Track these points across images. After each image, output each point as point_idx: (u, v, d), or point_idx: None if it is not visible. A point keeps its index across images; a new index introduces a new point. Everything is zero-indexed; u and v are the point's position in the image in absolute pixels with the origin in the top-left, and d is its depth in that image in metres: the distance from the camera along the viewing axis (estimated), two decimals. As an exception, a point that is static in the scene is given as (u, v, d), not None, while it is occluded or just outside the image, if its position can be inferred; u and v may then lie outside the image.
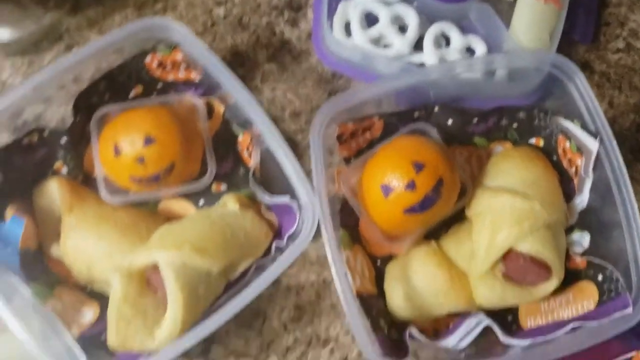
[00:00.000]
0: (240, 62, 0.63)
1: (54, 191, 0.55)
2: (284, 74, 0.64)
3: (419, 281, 0.54)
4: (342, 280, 0.48)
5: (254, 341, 0.57)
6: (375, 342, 0.48)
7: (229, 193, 0.57)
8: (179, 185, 0.55)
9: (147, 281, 0.51)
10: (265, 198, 0.54)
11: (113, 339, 0.48)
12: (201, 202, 0.58)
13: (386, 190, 0.51)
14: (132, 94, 0.57)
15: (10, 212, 0.53)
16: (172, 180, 0.53)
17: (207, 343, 0.57)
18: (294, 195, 0.53)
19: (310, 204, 0.50)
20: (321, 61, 0.63)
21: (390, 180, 0.51)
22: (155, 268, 0.50)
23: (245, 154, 0.57)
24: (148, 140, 0.51)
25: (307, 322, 0.58)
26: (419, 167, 0.50)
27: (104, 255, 0.52)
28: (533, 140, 0.58)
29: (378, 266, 0.57)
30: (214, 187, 0.59)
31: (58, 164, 0.56)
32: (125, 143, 0.51)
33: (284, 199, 0.53)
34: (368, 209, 0.53)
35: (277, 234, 0.56)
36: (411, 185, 0.50)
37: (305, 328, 0.57)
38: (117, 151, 0.51)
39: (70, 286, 0.55)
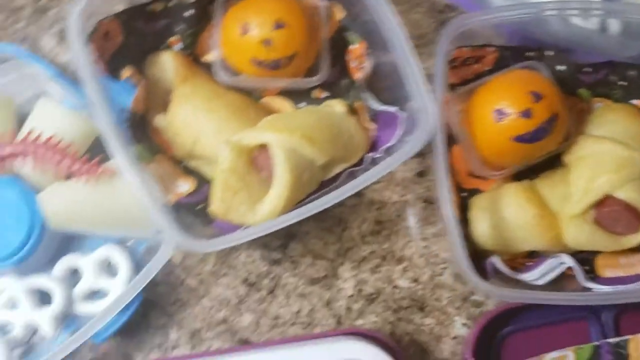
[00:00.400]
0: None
1: (168, 63, 0.56)
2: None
3: (508, 213, 0.54)
4: (446, 199, 0.49)
5: (332, 245, 0.58)
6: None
7: (330, 100, 0.58)
8: (291, 78, 0.55)
9: (253, 160, 0.52)
10: (374, 104, 0.55)
11: (217, 205, 0.49)
12: (301, 104, 0.59)
13: (499, 114, 0.52)
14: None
15: (126, 73, 0.53)
16: (289, 71, 0.54)
17: (287, 239, 0.58)
18: (402, 108, 0.54)
19: (425, 114, 0.50)
20: (437, -10, 0.64)
21: (505, 106, 0.51)
22: (262, 149, 0.51)
23: (352, 64, 0.58)
24: (278, 25, 0.51)
25: (385, 238, 0.59)
26: (537, 96, 0.51)
27: (213, 130, 0.53)
28: (635, 102, 0.59)
29: (462, 197, 0.58)
30: (315, 93, 0.59)
31: (173, 39, 0.57)
32: (255, 24, 0.52)
33: (391, 108, 0.54)
34: (474, 135, 0.54)
35: (373, 146, 0.57)
36: (527, 114, 0.51)
37: (383, 243, 0.58)
38: (244, 30, 0.52)
39: (167, 157, 0.56)
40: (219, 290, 0.56)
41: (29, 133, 0.51)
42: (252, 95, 0.58)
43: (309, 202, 0.51)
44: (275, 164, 0.50)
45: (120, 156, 0.47)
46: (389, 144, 0.55)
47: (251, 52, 0.52)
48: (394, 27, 0.52)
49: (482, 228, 0.55)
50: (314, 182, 0.53)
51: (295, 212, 0.48)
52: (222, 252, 0.57)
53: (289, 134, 0.50)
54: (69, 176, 0.51)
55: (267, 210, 0.50)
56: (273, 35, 0.52)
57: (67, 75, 0.58)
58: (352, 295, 0.57)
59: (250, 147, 0.51)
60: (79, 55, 0.48)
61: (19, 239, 0.48)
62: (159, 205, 0.47)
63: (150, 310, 0.55)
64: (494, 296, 0.50)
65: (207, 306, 0.56)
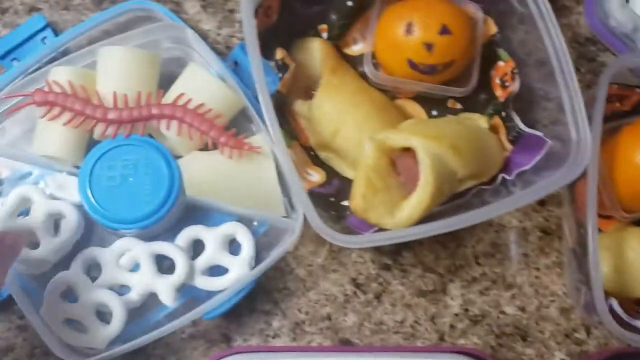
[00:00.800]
0: None
1: (317, 51, 0.55)
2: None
3: (631, 256, 0.53)
4: (593, 236, 0.48)
5: (444, 260, 0.57)
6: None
7: (468, 113, 0.57)
8: (440, 84, 0.54)
9: (392, 163, 0.51)
10: (519, 124, 0.54)
11: (358, 202, 0.48)
12: (434, 112, 0.58)
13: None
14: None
15: (278, 55, 0.52)
16: (440, 78, 0.53)
17: (400, 246, 0.57)
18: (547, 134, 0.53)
19: (583, 147, 0.49)
20: (587, 22, 0.63)
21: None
22: (404, 152, 0.50)
23: (496, 81, 0.57)
24: (444, 30, 0.50)
25: (498, 262, 0.57)
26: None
27: (355, 124, 0.52)
28: None
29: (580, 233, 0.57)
30: (450, 102, 0.58)
31: (323, 27, 0.56)
32: (420, 25, 0.51)
33: (537, 132, 0.53)
34: (613, 173, 0.53)
35: (505, 167, 0.56)
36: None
37: (495, 267, 0.57)
38: (408, 30, 0.51)
39: (300, 144, 0.55)
40: (327, 285, 0.55)
41: (179, 97, 0.50)
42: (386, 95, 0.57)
43: (438, 215, 0.50)
44: (420, 170, 0.49)
45: (274, 134, 0.46)
46: (523, 168, 0.54)
47: (409, 53, 0.51)
48: (559, 53, 0.51)
49: (605, 270, 0.53)
50: (448, 194, 0.52)
51: (430, 225, 0.47)
52: (334, 247, 0.56)
53: (438, 141, 0.49)
54: (213, 146, 0.50)
55: (405, 215, 0.48)
56: (437, 39, 0.51)
57: (209, 43, 0.58)
58: (457, 314, 0.56)
59: (393, 148, 0.50)
60: (248, 29, 0.47)
61: (155, 203, 0.46)
62: (302, 189, 0.46)
63: (257, 293, 0.54)
64: (623, 338, 0.49)
65: (313, 299, 0.55)
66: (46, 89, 0.49)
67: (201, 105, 0.49)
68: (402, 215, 0.49)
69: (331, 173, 0.54)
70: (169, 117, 0.49)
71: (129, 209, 0.46)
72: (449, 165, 0.50)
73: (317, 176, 0.54)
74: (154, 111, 0.49)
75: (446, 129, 0.51)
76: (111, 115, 0.49)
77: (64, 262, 0.49)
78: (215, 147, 0.50)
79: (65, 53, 0.54)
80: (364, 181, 0.48)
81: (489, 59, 0.57)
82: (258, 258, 0.51)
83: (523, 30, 0.62)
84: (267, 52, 0.54)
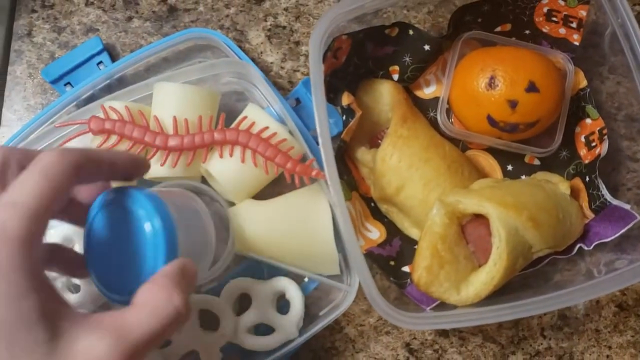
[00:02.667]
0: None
1: (386, 95, 0.50)
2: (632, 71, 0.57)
3: None
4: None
5: (506, 330, 0.52)
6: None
7: (547, 172, 0.52)
8: (520, 141, 0.49)
9: (462, 229, 0.46)
10: (606, 194, 0.49)
11: (422, 275, 0.44)
12: (509, 167, 0.53)
13: None
14: (498, 28, 0.52)
15: (345, 100, 0.48)
16: (523, 135, 0.48)
17: (460, 310, 0.52)
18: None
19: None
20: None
21: None
22: (475, 218, 0.46)
23: (581, 139, 0.52)
24: (532, 87, 0.45)
25: (566, 336, 0.53)
26: None
27: (423, 181, 0.48)
28: None
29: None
30: (527, 157, 0.53)
31: (394, 68, 0.52)
32: (506, 80, 0.46)
33: (625, 205, 0.48)
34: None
35: (583, 236, 0.51)
36: None
37: (562, 341, 0.52)
38: (492, 84, 0.46)
39: (359, 195, 0.51)
40: (378, 348, 0.51)
41: (241, 120, 0.46)
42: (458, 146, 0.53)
43: (506, 287, 0.46)
44: (494, 242, 0.44)
45: (334, 190, 0.42)
46: (604, 240, 0.49)
47: (490, 109, 0.47)
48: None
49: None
50: (521, 268, 0.47)
51: (500, 310, 0.42)
52: (389, 307, 0.52)
53: (516, 212, 0.44)
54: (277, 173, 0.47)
55: (472, 292, 0.44)
56: (522, 97, 0.46)
57: (271, 77, 0.54)
58: (517, 391, 0.51)
59: (464, 213, 0.46)
60: (316, 72, 0.43)
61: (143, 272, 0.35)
62: (360, 255, 0.42)
63: (301, 350, 0.51)
64: None
65: (362, 362, 0.51)
66: (102, 116, 0.46)
67: (265, 129, 0.46)
68: (469, 292, 0.44)
69: (392, 230, 0.50)
70: (232, 143, 0.45)
71: (120, 278, 0.35)
72: (527, 239, 0.45)
73: (376, 233, 0.49)
74: (217, 137, 0.45)
75: (525, 196, 0.46)
76: (172, 143, 0.46)
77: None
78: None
79: (121, 80, 0.51)
80: (429, 252, 0.44)
81: (574, 114, 0.52)
82: (306, 313, 0.48)
83: (614, 81, 0.56)
84: (331, 94, 0.50)
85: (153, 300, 0.30)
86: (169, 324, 0.30)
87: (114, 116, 0.46)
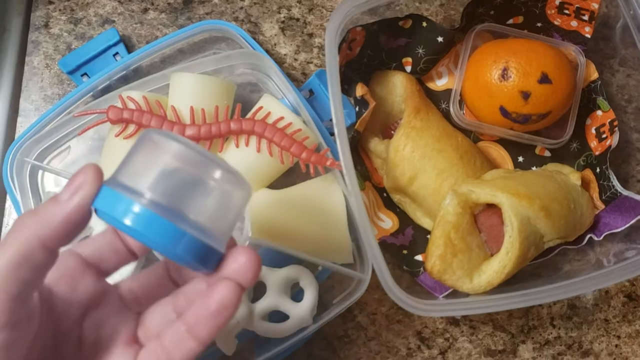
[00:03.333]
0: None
1: (399, 87, 0.51)
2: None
3: None
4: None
5: (517, 319, 0.53)
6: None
7: (557, 164, 0.53)
8: (532, 132, 0.50)
9: (475, 218, 0.47)
10: (617, 185, 0.49)
11: (435, 263, 0.45)
12: (520, 158, 0.54)
13: None
14: (510, 20, 0.52)
15: (360, 90, 0.49)
16: (534, 126, 0.49)
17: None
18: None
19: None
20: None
21: None
22: (487, 208, 0.46)
23: (591, 131, 0.52)
24: (544, 79, 0.46)
25: (575, 326, 0.53)
26: None
27: (435, 171, 0.48)
28: None
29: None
30: (538, 149, 0.54)
31: (407, 59, 0.52)
32: (518, 71, 0.46)
33: (637, 197, 0.48)
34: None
35: (593, 226, 0.51)
36: None
37: (571, 330, 0.53)
38: (505, 75, 0.47)
39: (372, 185, 0.51)
40: (390, 336, 0.52)
41: (257, 110, 0.47)
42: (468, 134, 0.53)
43: (517, 276, 0.46)
44: (506, 231, 0.45)
45: (350, 180, 0.43)
46: (614, 231, 0.49)
47: (503, 100, 0.47)
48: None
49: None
50: (532, 258, 0.48)
51: (511, 298, 0.43)
52: (400, 295, 0.53)
53: (528, 201, 0.45)
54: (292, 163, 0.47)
55: (485, 280, 0.45)
56: (535, 88, 0.46)
57: (285, 69, 0.55)
58: (526, 379, 0.52)
59: (477, 203, 0.46)
60: (332, 62, 0.43)
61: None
62: (374, 243, 0.43)
63: (314, 338, 0.51)
64: None
65: (374, 350, 0.52)
66: (120, 105, 0.47)
67: (281, 119, 0.46)
68: (481, 280, 0.45)
69: (404, 219, 0.51)
70: (248, 133, 0.46)
71: None
72: (539, 228, 0.46)
73: (389, 222, 0.50)
74: (233, 127, 0.46)
75: (537, 186, 0.47)
76: (189, 132, 0.46)
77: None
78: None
79: (136, 71, 0.52)
80: (443, 240, 0.45)
81: (585, 106, 0.52)
82: (320, 301, 0.48)
83: (624, 73, 0.57)
84: (345, 85, 0.50)
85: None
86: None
87: (132, 106, 0.47)
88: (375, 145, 0.51)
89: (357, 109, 0.50)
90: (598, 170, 0.50)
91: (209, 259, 0.29)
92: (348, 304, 0.47)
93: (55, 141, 0.50)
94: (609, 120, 0.50)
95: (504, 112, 0.47)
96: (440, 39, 0.50)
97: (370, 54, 0.51)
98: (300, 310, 0.47)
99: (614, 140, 0.49)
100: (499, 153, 0.54)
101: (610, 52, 0.56)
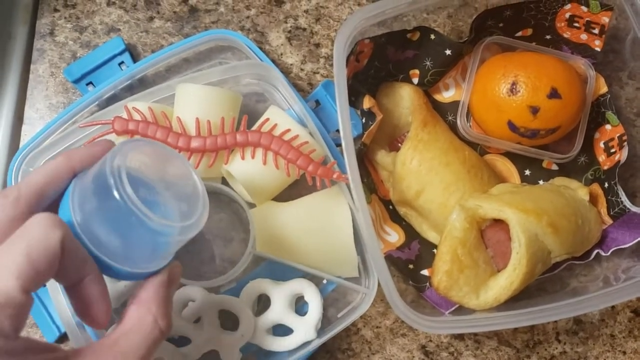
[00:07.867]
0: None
1: (406, 99, 0.51)
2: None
3: None
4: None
5: (522, 334, 0.53)
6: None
7: (565, 178, 0.52)
8: (540, 147, 0.50)
9: (482, 233, 0.46)
10: (625, 201, 0.49)
11: (441, 279, 0.44)
12: (527, 171, 0.53)
13: None
14: (519, 33, 0.52)
15: (367, 102, 0.49)
16: (542, 141, 0.48)
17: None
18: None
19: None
20: None
21: None
22: (494, 223, 0.46)
23: (600, 145, 0.52)
24: (554, 94, 0.46)
25: (581, 341, 0.53)
26: None
27: (442, 185, 0.48)
28: None
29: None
30: (545, 162, 0.54)
31: (414, 71, 0.52)
32: (528, 86, 0.46)
33: (646, 213, 0.48)
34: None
35: (601, 241, 0.51)
36: None
37: (577, 345, 0.53)
38: (513, 90, 0.46)
39: (379, 197, 0.51)
40: (394, 350, 0.52)
41: (264, 122, 0.47)
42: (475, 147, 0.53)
43: (523, 291, 0.46)
44: (513, 247, 0.45)
45: (356, 194, 0.42)
46: (622, 246, 0.49)
47: (511, 115, 0.47)
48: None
49: None
50: (538, 274, 0.47)
51: (519, 316, 0.43)
52: (405, 309, 0.52)
53: (536, 217, 0.45)
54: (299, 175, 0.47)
55: (491, 297, 0.44)
56: (544, 103, 0.46)
57: (291, 79, 0.54)
58: (532, 394, 0.52)
59: (484, 218, 0.46)
60: (340, 74, 0.43)
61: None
62: (381, 257, 0.43)
63: (317, 351, 0.51)
64: None
65: (378, 364, 0.52)
66: (125, 116, 0.47)
67: (287, 131, 0.46)
68: (487, 297, 0.45)
69: (410, 233, 0.50)
70: (254, 145, 0.46)
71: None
72: (545, 244, 0.45)
73: (395, 236, 0.50)
74: (239, 139, 0.46)
75: (545, 201, 0.46)
76: (195, 144, 0.46)
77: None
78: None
79: (142, 80, 0.51)
80: (449, 256, 0.44)
81: (594, 120, 0.52)
82: (324, 315, 0.48)
83: (634, 86, 0.56)
84: (352, 97, 0.50)
85: (140, 326, 0.33)
86: (155, 346, 0.33)
87: (138, 117, 0.47)
88: (382, 157, 0.51)
89: (363, 121, 0.49)
90: (606, 185, 0.50)
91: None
92: (353, 319, 0.46)
93: (60, 151, 0.49)
94: (617, 135, 0.50)
95: (512, 126, 0.47)
96: (448, 51, 0.49)
97: (378, 65, 0.50)
98: (305, 324, 0.47)
99: (623, 155, 0.49)
100: (506, 166, 0.53)
101: (620, 65, 0.56)
